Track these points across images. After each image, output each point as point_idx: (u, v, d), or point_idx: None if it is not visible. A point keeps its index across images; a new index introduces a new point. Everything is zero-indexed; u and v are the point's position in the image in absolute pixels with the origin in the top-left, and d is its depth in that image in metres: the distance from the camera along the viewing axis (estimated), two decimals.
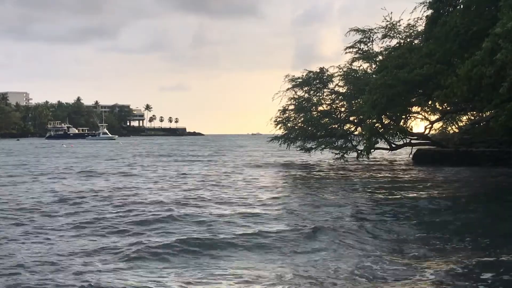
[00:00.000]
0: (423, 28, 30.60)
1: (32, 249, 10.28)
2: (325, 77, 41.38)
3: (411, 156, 39.18)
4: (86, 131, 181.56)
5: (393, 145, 38.15)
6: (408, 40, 34.54)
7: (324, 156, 43.20)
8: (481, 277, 8.25)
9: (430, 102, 32.33)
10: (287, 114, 42.44)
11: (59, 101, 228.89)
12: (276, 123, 42.29)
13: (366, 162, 36.58)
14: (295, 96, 42.10)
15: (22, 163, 40.16)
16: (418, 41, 32.62)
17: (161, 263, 9.26)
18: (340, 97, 41.78)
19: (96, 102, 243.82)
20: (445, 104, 31.97)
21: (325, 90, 41.86)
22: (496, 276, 8.21)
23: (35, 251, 10.09)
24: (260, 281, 8.17)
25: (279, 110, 42.50)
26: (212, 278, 8.35)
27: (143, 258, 9.49)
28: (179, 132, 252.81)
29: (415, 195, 18.72)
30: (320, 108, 42.12)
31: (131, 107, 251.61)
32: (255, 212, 14.93)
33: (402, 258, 9.55)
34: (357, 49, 40.48)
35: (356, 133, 40.93)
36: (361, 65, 41.18)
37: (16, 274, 8.57)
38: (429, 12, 27.99)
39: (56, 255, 9.81)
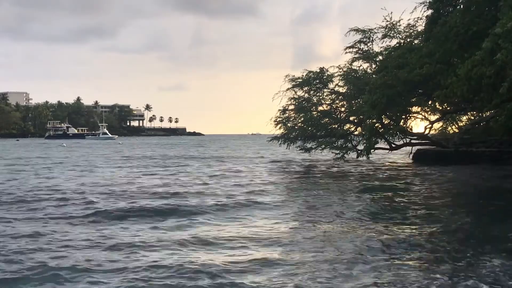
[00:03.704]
0: (423, 28, 30.60)
1: None
2: (325, 77, 41.40)
3: (411, 156, 39.18)
4: (86, 131, 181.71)
5: (393, 145, 38.15)
6: (408, 40, 34.55)
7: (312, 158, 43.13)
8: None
9: (430, 102, 32.35)
10: (287, 114, 42.50)
11: (59, 101, 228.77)
12: (276, 123, 42.36)
13: (366, 162, 36.54)
14: (295, 96, 42.15)
15: None
16: (418, 41, 32.62)
17: None
18: (340, 97, 41.81)
19: (96, 102, 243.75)
20: (445, 104, 31.98)
21: (325, 90, 41.90)
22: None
23: None
24: None
25: (279, 110, 42.61)
26: None
27: None
28: (179, 132, 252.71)
29: (410, 194, 18.71)
30: (320, 108, 42.17)
31: (131, 107, 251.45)
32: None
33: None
34: (357, 49, 40.52)
35: (356, 133, 40.95)
36: (361, 65, 41.28)
37: None
38: (429, 12, 28.01)
39: None
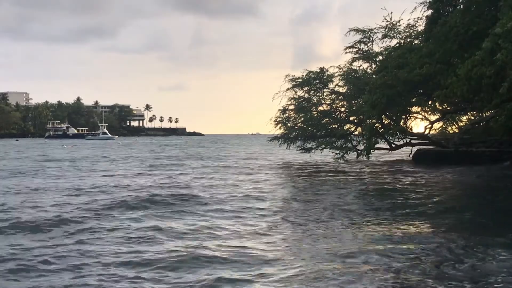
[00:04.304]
0: (423, 28, 30.61)
1: None
2: (325, 77, 41.43)
3: (411, 156, 39.20)
4: (85, 131, 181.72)
5: (393, 145, 38.18)
6: (408, 40, 34.57)
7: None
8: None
9: (430, 102, 32.35)
10: (287, 114, 42.54)
11: (59, 101, 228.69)
12: (276, 123, 42.41)
13: (366, 162, 36.52)
14: (295, 96, 42.19)
15: None
16: (418, 41, 32.63)
17: None
18: (340, 97, 41.85)
19: (96, 102, 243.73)
20: (445, 104, 31.99)
21: (325, 90, 41.94)
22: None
23: None
24: None
25: (279, 110, 42.65)
26: None
27: None
28: (179, 132, 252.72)
29: (410, 194, 18.70)
30: (320, 108, 42.22)
31: (131, 107, 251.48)
32: None
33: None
34: (357, 49, 40.56)
35: (356, 133, 40.99)
36: (361, 65, 41.33)
37: None
38: (429, 12, 28.00)
39: None
